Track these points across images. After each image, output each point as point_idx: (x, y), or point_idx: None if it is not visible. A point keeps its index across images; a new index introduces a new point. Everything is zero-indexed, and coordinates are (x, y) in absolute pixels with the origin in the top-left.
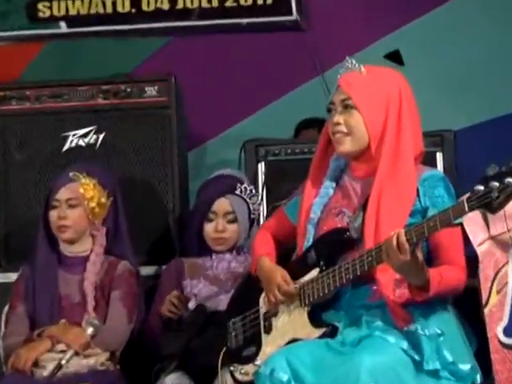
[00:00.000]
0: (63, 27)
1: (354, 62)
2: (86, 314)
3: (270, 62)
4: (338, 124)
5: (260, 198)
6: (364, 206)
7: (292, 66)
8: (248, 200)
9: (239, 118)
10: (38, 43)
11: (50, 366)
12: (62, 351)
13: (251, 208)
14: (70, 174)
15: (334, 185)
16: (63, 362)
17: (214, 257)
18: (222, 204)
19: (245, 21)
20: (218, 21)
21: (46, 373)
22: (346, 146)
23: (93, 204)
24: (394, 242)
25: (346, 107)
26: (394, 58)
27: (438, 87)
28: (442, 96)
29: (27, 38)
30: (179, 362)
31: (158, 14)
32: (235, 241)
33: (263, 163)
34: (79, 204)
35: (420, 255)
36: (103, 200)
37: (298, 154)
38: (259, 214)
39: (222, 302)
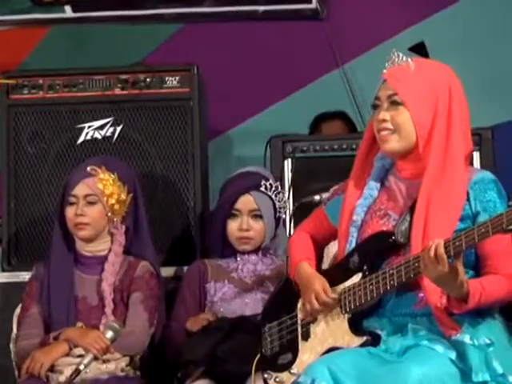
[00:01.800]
0: (68, 12)
1: (400, 55)
2: (105, 318)
3: (287, 53)
4: (384, 121)
5: (286, 196)
6: (411, 209)
7: (310, 57)
8: (273, 197)
9: (254, 112)
10: (42, 28)
11: (67, 371)
12: (80, 355)
13: (277, 206)
14: (88, 168)
15: (378, 185)
16: (81, 366)
17: (238, 259)
18: (246, 201)
19: (261, 8)
20: (233, 8)
21: (62, 378)
22: (392, 144)
23: (112, 200)
24: (432, 253)
25: (393, 103)
26: (419, 50)
27: (470, 82)
28: (475, 91)
29: (30, 22)
30: (206, 369)
31: None
32: (260, 240)
33: (290, 160)
34: (98, 200)
35: (460, 267)
36: (123, 196)
37: (327, 151)
38: (285, 213)
39: (248, 306)
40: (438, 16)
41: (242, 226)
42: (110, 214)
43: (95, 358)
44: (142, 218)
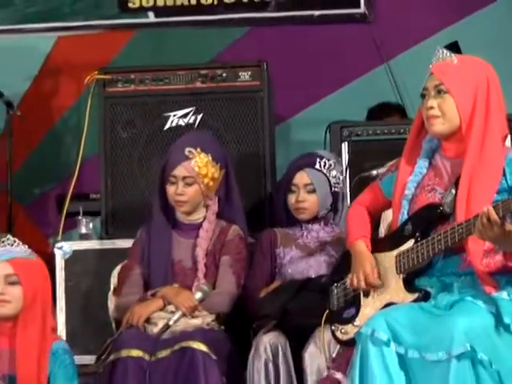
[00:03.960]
0: (151, 17)
1: (445, 51)
2: (197, 280)
3: (340, 51)
4: (432, 107)
5: (344, 174)
6: (456, 184)
7: (359, 55)
8: (327, 173)
9: (311, 102)
10: (129, 31)
11: (160, 324)
12: (172, 312)
13: (331, 181)
14: (186, 151)
15: (426, 164)
16: (171, 322)
17: (303, 228)
18: (301, 177)
19: (317, 13)
20: (293, 12)
21: (156, 329)
22: (438, 126)
23: (207, 180)
24: (485, 219)
25: (439, 92)
26: (452, 48)
27: (502, 74)
28: (506, 81)
29: (118, 26)
30: (277, 322)
31: (238, 6)
32: (315, 210)
33: (347, 143)
34: (194, 181)
35: (510, 226)
36: (216, 175)
37: (378, 135)
38: (342, 189)
39: (313, 267)
40: (474, 16)
41: (298, 199)
42: (205, 191)
43: (184, 316)
44: (233, 187)
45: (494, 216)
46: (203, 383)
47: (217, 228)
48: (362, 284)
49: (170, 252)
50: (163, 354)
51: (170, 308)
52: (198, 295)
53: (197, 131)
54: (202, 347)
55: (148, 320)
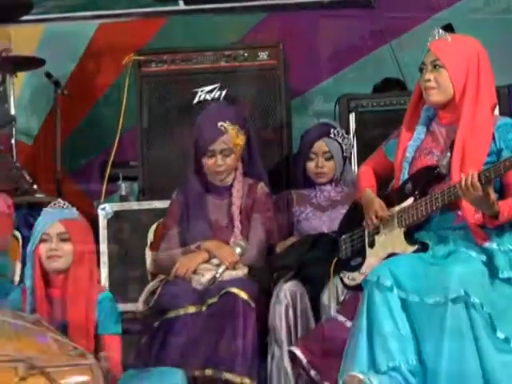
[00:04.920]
0: (181, 5)
1: (441, 31)
2: (233, 237)
3: (348, 33)
4: (429, 80)
5: (351, 141)
6: (451, 148)
7: (365, 36)
8: (340, 141)
9: (323, 78)
10: (162, 18)
11: (207, 276)
12: (217, 265)
13: (343, 148)
14: (219, 125)
15: (424, 130)
16: (217, 275)
17: (316, 188)
18: (320, 145)
19: None
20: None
21: (203, 280)
22: (435, 96)
23: (239, 148)
24: (469, 181)
25: (435, 67)
26: (447, 29)
27: (492, 49)
28: (495, 56)
29: (153, 14)
30: (295, 272)
31: None
32: (332, 175)
33: (354, 114)
34: (231, 152)
35: (491, 191)
36: (243, 141)
37: (382, 106)
38: (351, 153)
39: (325, 224)
40: (465, 1)
41: (318, 165)
42: (239, 158)
43: (227, 269)
44: (255, 148)
45: (475, 180)
46: (241, 328)
47: (245, 186)
48: (375, 219)
49: (207, 212)
50: (212, 300)
51: (215, 261)
52: (238, 250)
53: (219, 104)
54: (243, 295)
55: (194, 271)
